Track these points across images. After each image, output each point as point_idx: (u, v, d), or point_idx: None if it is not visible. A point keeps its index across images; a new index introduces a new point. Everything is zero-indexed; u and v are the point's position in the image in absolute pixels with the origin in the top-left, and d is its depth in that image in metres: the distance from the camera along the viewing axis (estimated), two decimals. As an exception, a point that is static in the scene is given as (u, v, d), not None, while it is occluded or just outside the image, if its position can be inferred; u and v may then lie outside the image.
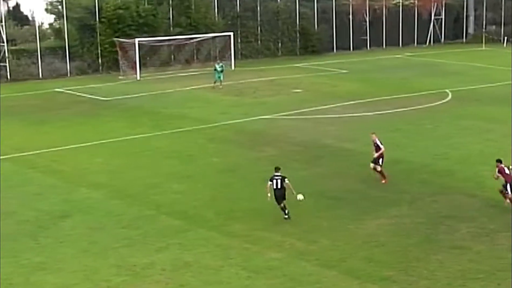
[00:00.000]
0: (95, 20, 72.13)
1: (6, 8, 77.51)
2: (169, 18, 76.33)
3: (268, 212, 29.46)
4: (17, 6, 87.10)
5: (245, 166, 35.63)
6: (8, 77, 67.90)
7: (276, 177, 28.94)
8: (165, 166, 36.53)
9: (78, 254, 25.50)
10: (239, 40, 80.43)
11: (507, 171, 29.99)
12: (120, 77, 68.31)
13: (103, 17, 71.98)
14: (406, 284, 22.73)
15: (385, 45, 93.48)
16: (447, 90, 58.05)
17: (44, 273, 23.95)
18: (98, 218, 29.10)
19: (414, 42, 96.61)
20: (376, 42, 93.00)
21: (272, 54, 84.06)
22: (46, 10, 78.73)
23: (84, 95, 59.53)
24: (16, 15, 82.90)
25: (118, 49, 70.66)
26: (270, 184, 28.88)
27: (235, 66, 73.66)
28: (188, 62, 75.00)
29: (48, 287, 22.83)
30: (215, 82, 62.26)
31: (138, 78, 67.39)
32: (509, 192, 29.80)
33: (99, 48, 72.27)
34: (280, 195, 28.81)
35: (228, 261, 24.66)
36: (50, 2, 79.14)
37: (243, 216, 29.22)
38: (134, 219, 28.94)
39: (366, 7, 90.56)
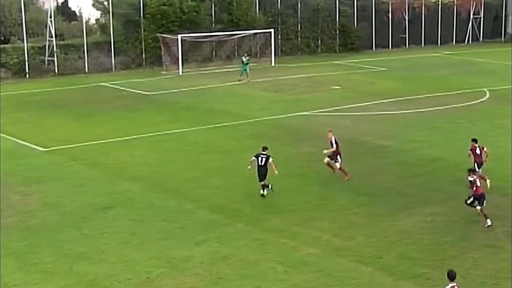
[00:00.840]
0: (140, 16, 72.40)
1: (55, 4, 78.06)
2: (211, 15, 76.37)
3: (305, 208, 29.46)
4: (65, 2, 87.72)
5: (283, 162, 35.49)
6: (56, 71, 68.39)
7: (262, 155, 30.67)
8: (204, 161, 36.61)
9: (119, 245, 25.65)
10: (279, 37, 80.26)
11: (478, 152, 31.96)
12: (162, 72, 68.54)
13: (148, 13, 72.23)
14: (440, 281, 22.44)
15: (424, 43, 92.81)
16: (484, 89, 57.51)
17: (86, 263, 24.11)
18: (138, 211, 29.22)
19: (452, 41, 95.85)
20: (415, 40, 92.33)
21: (311, 51, 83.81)
22: (93, 5, 79.18)
23: (127, 89, 59.80)
24: (64, 11, 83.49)
25: (161, 44, 70.90)
26: (254, 160, 30.70)
27: (275, 63, 73.58)
28: (229, 58, 75.06)
29: (90, 277, 22.94)
30: (241, 75, 63.00)
31: (180, 73, 67.57)
32: (479, 171, 31.26)
33: (143, 43, 72.54)
34: (263, 172, 30.57)
35: (265, 255, 24.65)
36: (97, -2, 79.93)
37: (280, 211, 29.20)
38: (173, 212, 29.02)
39: (405, 5, 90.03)
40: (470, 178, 27.80)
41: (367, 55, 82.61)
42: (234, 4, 77.23)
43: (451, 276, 18.94)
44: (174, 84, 62.12)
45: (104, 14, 76.25)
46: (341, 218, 28.34)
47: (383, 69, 71.44)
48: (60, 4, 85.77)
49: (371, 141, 40.67)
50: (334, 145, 33.46)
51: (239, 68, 64.60)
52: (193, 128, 44.26)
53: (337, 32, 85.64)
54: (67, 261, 24.18)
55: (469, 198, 27.87)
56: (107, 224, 27.80)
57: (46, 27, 69.77)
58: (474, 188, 27.63)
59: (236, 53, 75.70)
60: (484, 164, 32.28)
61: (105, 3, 74.45)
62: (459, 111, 48.99)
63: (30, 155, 38.65)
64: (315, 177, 33.85)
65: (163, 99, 55.14)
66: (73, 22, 79.06)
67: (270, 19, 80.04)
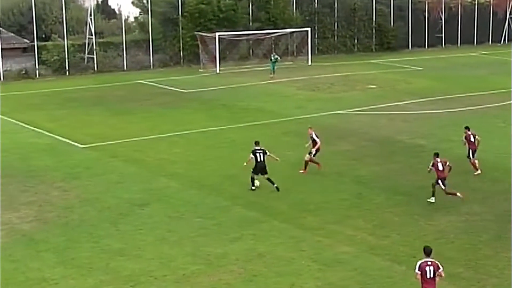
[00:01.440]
0: (178, 14, 72.57)
1: (95, 2, 78.55)
2: (249, 13, 76.39)
3: (341, 206, 29.31)
4: (105, 0, 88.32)
5: (320, 160, 35.32)
6: (95, 68, 68.77)
7: (258, 151, 31.13)
8: (240, 158, 36.38)
9: (156, 241, 25.65)
10: (316, 36, 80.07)
11: (472, 139, 33.69)
12: (200, 70, 68.64)
13: (186, 12, 72.39)
14: (475, 281, 22.30)
15: (460, 43, 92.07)
16: (520, 89, 56.97)
17: (123, 258, 24.12)
18: (175, 207, 29.21)
19: (488, 41, 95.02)
20: (451, 40, 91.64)
21: (348, 50, 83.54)
22: (132, 3, 79.68)
23: (165, 87, 59.96)
24: (104, 9, 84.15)
25: (199, 42, 70.97)
26: (252, 158, 31.01)
27: (311, 61, 73.36)
28: (266, 56, 74.76)
29: (127, 273, 22.94)
30: (270, 73, 63.68)
31: (218, 71, 67.61)
32: (474, 157, 33.63)
33: (181, 41, 72.74)
34: (262, 167, 30.93)
35: (300, 253, 24.52)
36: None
37: (316, 209, 29.05)
38: (210, 209, 28.97)
39: (441, 5, 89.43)
40: (433, 161, 29.90)
41: (403, 55, 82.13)
42: (272, 2, 77.18)
43: (427, 252, 19.75)
44: (211, 82, 62.19)
45: (143, 12, 76.61)
46: (376, 217, 28.14)
47: (419, 68, 70.97)
48: (100, 3, 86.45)
49: (406, 140, 40.38)
50: (318, 140, 34.05)
51: (275, 67, 64.61)
52: (230, 126, 44.25)
53: (374, 31, 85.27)
54: (104, 257, 24.23)
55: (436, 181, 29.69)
56: (144, 220, 27.83)
57: (86, 25, 70.19)
58: (437, 171, 29.68)
59: (273, 52, 75.56)
60: (477, 151, 33.91)
61: (145, 1, 74.79)
62: (495, 111, 48.50)
63: (69, 152, 38.85)
64: (351, 176, 33.66)
65: (201, 96, 55.21)
66: (112, 20, 79.59)
67: (307, 18, 79.91)
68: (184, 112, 49.12)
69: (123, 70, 69.62)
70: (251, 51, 75.93)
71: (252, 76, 64.89)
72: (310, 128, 34.86)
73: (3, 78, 64.84)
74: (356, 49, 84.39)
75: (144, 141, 40.79)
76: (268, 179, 31.10)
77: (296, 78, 63.39)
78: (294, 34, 76.33)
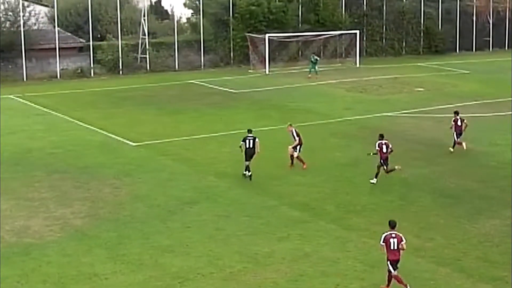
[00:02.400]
0: (229, 15, 72.68)
1: (148, 3, 79.06)
2: (298, 15, 76.29)
3: (386, 208, 29.10)
4: (159, 1, 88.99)
5: (366, 161, 35.11)
6: (148, 68, 69.18)
7: (249, 138, 33.14)
8: (289, 158, 36.40)
9: (204, 239, 25.67)
10: (364, 38, 79.66)
11: (459, 123, 37.51)
12: (249, 71, 68.71)
13: (237, 13, 72.52)
14: (520, 285, 22.01)
15: (508, 46, 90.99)
16: None
17: (171, 255, 24.18)
18: (223, 206, 29.23)
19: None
20: (499, 44, 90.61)
21: (396, 52, 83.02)
22: (185, 5, 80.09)
23: (216, 87, 60.09)
24: (157, 10, 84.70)
25: (249, 43, 71.09)
26: (243, 144, 33.02)
27: (359, 64, 73.00)
28: (315, 58, 74.76)
29: (175, 270, 22.99)
30: (316, 74, 64.11)
31: (267, 72, 67.61)
32: (459, 138, 37.63)
33: (231, 42, 72.84)
34: (250, 153, 32.79)
35: (345, 253, 24.38)
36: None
37: (362, 210, 28.89)
38: (257, 208, 28.94)
39: (489, 8, 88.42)
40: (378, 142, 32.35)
41: (450, 58, 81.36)
42: (321, 5, 76.96)
43: (392, 225, 21.57)
44: (261, 82, 62.20)
45: (195, 13, 76.89)
46: (421, 219, 27.88)
47: (466, 71, 70.22)
48: (153, 3, 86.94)
49: (452, 143, 39.91)
50: (297, 137, 34.72)
51: (324, 68, 64.48)
52: (279, 126, 44.10)
53: (422, 34, 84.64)
54: (153, 253, 24.32)
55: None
56: (192, 218, 27.87)
57: (139, 25, 70.67)
58: (380, 153, 32.10)
59: (322, 53, 75.38)
60: (462, 133, 37.73)
61: (197, 2, 75.09)
62: (543, 115, 47.79)
63: (121, 149, 39.11)
64: (398, 178, 33.35)
65: (250, 97, 55.23)
66: (165, 21, 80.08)
67: (356, 20, 79.59)
68: (234, 112, 49.17)
69: (175, 70, 69.93)
70: (300, 52, 75.78)
71: (301, 77, 64.77)
72: (290, 125, 35.69)
73: (60, 77, 65.52)
74: (404, 52, 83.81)
75: (194, 140, 40.90)
76: (247, 166, 32.90)
77: (344, 80, 63.14)
78: (343, 36, 76.05)
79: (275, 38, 70.52)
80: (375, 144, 32.67)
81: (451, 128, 38.01)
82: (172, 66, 70.63)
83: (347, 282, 22.15)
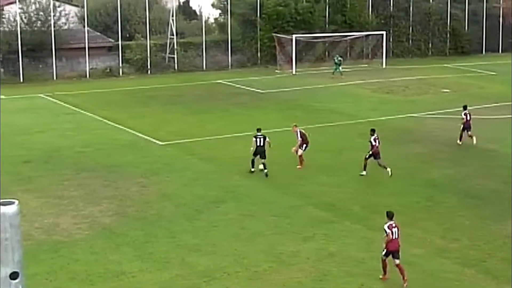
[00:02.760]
0: (256, 16, 72.69)
1: (177, 3, 79.25)
2: (325, 16, 76.12)
3: (412, 208, 28.98)
4: (187, 1, 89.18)
5: (392, 162, 35.03)
6: (175, 68, 69.36)
7: (259, 136, 34.12)
8: (315, 159, 36.35)
9: (230, 238, 25.69)
10: (390, 39, 79.35)
11: (468, 118, 39.38)
12: (276, 71, 68.65)
13: (264, 13, 72.53)
14: (546, 288, 21.82)
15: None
16: None
17: (198, 254, 24.22)
18: (249, 205, 29.22)
19: None
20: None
21: (422, 53, 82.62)
22: (213, 5, 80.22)
23: (243, 87, 60.12)
24: (185, 10, 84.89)
25: (276, 44, 71.06)
26: (255, 141, 33.99)
27: (386, 64, 72.73)
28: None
29: (201, 268, 23.02)
30: (341, 74, 64.45)
31: (294, 72, 67.54)
32: (469, 132, 39.46)
33: (258, 42, 72.84)
34: (261, 151, 33.75)
35: (370, 253, 24.27)
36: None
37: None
38: (283, 208, 28.91)
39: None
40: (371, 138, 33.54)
41: (476, 59, 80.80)
42: (348, 5, 76.78)
43: (390, 216, 22.43)
44: (288, 83, 62.16)
45: (223, 13, 76.98)
46: (447, 220, 27.74)
47: (493, 73, 69.75)
48: (182, 4, 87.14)
49: (478, 145, 39.66)
50: (300, 138, 35.49)
51: (350, 69, 64.38)
52: (305, 126, 43.95)
53: (448, 35, 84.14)
54: (180, 252, 24.37)
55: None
56: (219, 217, 27.91)
57: (168, 25, 70.89)
58: (372, 147, 33.25)
59: (348, 54, 75.24)
60: (471, 127, 39.58)
61: (225, 2, 75.16)
62: None
63: (149, 148, 39.24)
64: (424, 178, 33.26)
65: (277, 97, 55.21)
66: (193, 21, 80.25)
67: (382, 21, 79.32)
68: (260, 112, 49.17)
69: (202, 70, 70.05)
70: (327, 53, 75.63)
71: (328, 78, 64.64)
72: (295, 126, 36.37)
73: (89, 76, 65.87)
74: (430, 53, 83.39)
75: (220, 140, 40.96)
76: (263, 164, 33.75)
77: (371, 81, 62.95)
78: (370, 37, 75.82)
79: (302, 38, 70.44)
80: (370, 140, 33.67)
81: (462, 124, 39.56)
82: (199, 66, 70.75)
83: (372, 282, 22.09)
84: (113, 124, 45.16)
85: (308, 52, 73.13)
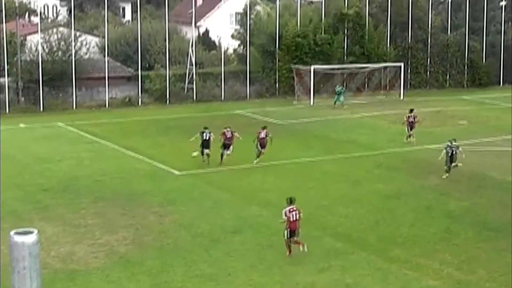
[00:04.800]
0: (275, 47, 72.79)
1: (196, 34, 79.59)
2: (343, 47, 76.12)
3: (429, 240, 28.80)
4: (206, 32, 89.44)
5: (409, 193, 34.89)
6: (194, 97, 69.48)
7: (205, 132, 41.31)
8: (332, 190, 36.27)
9: (246, 268, 25.59)
10: (408, 71, 79.21)
11: (410, 120, 47.60)
12: (294, 102, 68.57)
13: (283, 45, 72.58)
14: None
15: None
16: None
17: (214, 284, 24.15)
18: (267, 236, 29.11)
19: None
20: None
21: (440, 85, 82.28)
22: (232, 36, 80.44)
23: (261, 117, 60.08)
24: (205, 41, 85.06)
25: (294, 75, 71.00)
26: (199, 136, 41.14)
27: (404, 96, 72.58)
28: (359, 90, 74.31)
29: (217, 298, 22.97)
30: (335, 104, 64.80)
31: (311, 103, 67.50)
32: (412, 131, 48.67)
33: (277, 73, 72.86)
34: (207, 144, 41.23)
35: (386, 285, 24.15)
36: (236, 29, 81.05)
37: (404, 242, 28.61)
38: (300, 238, 28.66)
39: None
40: None
41: (494, 91, 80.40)
42: (366, 37, 76.71)
43: (289, 201, 26.59)
44: (305, 113, 62.11)
45: (242, 44, 77.17)
46: (464, 252, 27.56)
47: (510, 105, 69.37)
48: (201, 34, 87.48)
49: (495, 176, 39.50)
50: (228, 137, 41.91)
51: (368, 100, 64.20)
52: (323, 157, 44.02)
53: (466, 67, 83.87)
54: (196, 281, 24.29)
55: None
56: (235, 247, 27.82)
57: (187, 55, 71.09)
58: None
59: (366, 86, 75.11)
60: (414, 128, 48.18)
61: (244, 34, 75.39)
62: None
63: (167, 178, 39.25)
64: (441, 210, 33.09)
65: (294, 128, 55.16)
66: (212, 52, 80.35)
67: (400, 52, 79.13)
68: (279, 142, 48.80)
69: (221, 100, 70.08)
70: (345, 84, 75.43)
71: (346, 109, 64.53)
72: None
73: (108, 105, 66.09)
74: (448, 85, 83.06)
75: (237, 170, 40.92)
76: (207, 155, 41.07)
77: (388, 112, 62.79)
78: (387, 68, 75.60)
79: (320, 70, 70.48)
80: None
81: (402, 124, 48.81)
82: (218, 96, 70.84)
83: (388, 314, 21.92)
84: (131, 153, 45.21)
85: (326, 83, 72.95)
